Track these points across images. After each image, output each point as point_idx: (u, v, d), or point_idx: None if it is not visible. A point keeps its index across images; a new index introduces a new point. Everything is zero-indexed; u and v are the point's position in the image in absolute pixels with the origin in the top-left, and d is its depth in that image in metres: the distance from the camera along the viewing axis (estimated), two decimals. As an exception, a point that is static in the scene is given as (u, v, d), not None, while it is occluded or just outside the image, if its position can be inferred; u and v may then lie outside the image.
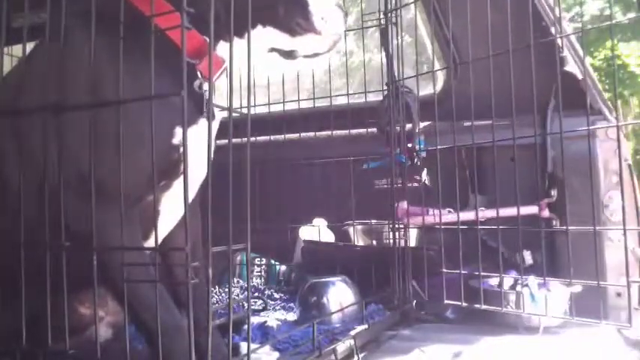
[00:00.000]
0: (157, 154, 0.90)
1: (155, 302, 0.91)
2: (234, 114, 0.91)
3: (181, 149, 1.02)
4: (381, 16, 1.99)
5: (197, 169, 1.08)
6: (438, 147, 1.79)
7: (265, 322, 1.63)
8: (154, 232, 1.06)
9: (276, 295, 2.10)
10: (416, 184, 1.93)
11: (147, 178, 0.95)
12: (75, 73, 1.01)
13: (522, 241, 1.63)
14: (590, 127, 1.59)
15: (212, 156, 0.90)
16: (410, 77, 1.96)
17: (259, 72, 2.21)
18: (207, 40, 1.05)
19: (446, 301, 1.72)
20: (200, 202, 1.23)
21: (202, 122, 1.07)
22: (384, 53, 1.99)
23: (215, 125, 1.10)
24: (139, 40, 0.92)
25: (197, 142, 1.01)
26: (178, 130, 1.04)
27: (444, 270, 1.73)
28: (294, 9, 1.23)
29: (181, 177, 0.99)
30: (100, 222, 0.92)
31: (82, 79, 1.00)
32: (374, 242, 2.27)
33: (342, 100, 2.38)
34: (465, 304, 1.67)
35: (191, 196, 1.16)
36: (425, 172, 1.94)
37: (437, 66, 2.09)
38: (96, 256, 0.92)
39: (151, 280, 0.98)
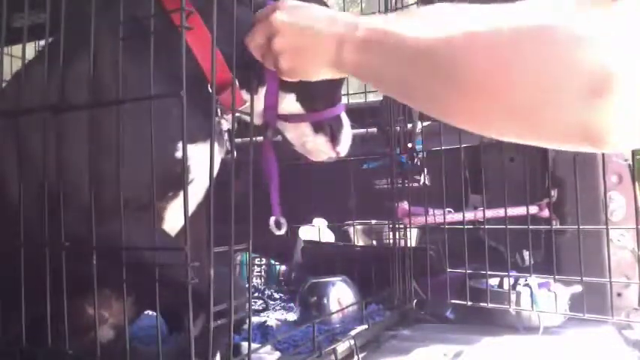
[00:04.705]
0: (160, 168, 0.89)
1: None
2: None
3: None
4: (381, 16, 1.99)
5: (203, 177, 1.07)
6: (443, 147, 1.78)
7: (265, 322, 1.63)
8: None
9: (276, 295, 2.10)
10: (416, 184, 1.93)
11: (148, 189, 0.92)
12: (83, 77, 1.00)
13: (521, 241, 1.63)
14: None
15: (216, 161, 0.89)
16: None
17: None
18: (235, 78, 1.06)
19: (450, 301, 1.72)
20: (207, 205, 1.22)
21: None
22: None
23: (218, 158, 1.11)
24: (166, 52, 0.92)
25: (204, 155, 1.00)
26: (181, 146, 1.03)
27: (448, 269, 1.73)
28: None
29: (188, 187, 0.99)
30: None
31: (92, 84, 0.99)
32: (374, 242, 2.27)
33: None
34: (470, 303, 1.67)
35: (197, 202, 1.15)
36: (425, 172, 1.94)
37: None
38: (95, 256, 0.92)
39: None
